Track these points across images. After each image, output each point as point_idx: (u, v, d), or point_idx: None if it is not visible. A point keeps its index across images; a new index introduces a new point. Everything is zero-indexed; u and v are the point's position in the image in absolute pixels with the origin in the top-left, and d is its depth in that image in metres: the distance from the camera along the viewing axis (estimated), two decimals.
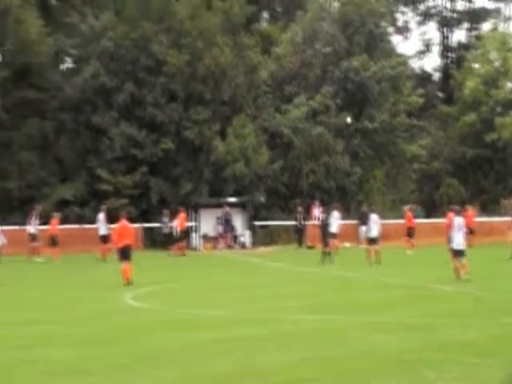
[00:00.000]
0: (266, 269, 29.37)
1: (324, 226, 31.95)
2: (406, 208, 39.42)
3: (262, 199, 46.38)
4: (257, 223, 45.28)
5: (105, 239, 36.57)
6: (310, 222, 42.90)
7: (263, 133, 48.56)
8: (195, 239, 43.58)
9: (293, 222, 43.77)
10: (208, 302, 18.43)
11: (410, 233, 37.59)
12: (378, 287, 21.20)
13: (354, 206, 47.95)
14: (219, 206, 43.69)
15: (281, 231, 45.95)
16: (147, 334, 13.44)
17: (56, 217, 38.08)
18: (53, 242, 36.73)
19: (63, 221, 40.21)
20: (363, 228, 39.22)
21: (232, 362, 10.57)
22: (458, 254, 22.36)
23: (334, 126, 49.45)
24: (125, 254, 23.73)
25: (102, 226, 37.50)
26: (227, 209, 43.60)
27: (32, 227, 37.91)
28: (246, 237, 43.65)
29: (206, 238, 43.81)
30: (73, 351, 11.69)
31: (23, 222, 42.11)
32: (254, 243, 43.45)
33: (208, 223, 43.76)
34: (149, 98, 46.65)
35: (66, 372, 10.06)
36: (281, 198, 48.77)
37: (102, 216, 37.86)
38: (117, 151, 45.84)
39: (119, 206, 44.49)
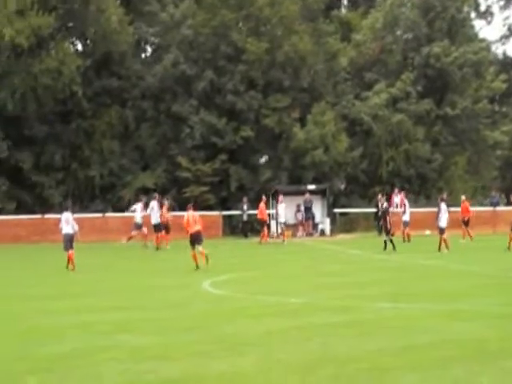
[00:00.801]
0: (345, 256, 29.21)
1: (384, 214, 31.97)
2: (463, 197, 38.61)
3: (342, 186, 46.12)
4: (336, 210, 45.09)
5: (158, 228, 36.12)
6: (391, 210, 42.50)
7: (343, 120, 48.27)
8: (275, 227, 43.58)
9: (373, 210, 43.42)
10: (287, 289, 18.40)
11: (466, 222, 36.89)
12: (457, 275, 20.88)
13: (434, 194, 47.34)
14: (299, 193, 43.57)
15: (360, 219, 45.70)
16: (226, 320, 13.48)
17: (166, 204, 38.03)
18: (165, 228, 36.72)
19: (172, 208, 40.38)
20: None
21: (310, 350, 10.52)
22: None
23: (415, 113, 48.84)
24: (193, 240, 23.87)
25: (154, 215, 36.80)
26: (309, 196, 43.45)
27: (139, 216, 37.56)
28: (325, 224, 43.49)
29: (285, 225, 43.77)
30: (154, 337, 11.79)
31: (106, 210, 42.97)
32: (334, 231, 43.26)
33: (287, 211, 43.69)
34: (228, 86, 46.79)
35: (149, 358, 10.14)
36: (360, 185, 48.46)
37: (154, 204, 36.89)
38: (197, 139, 46.15)
39: (199, 194, 44.97)
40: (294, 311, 14.52)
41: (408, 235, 36.56)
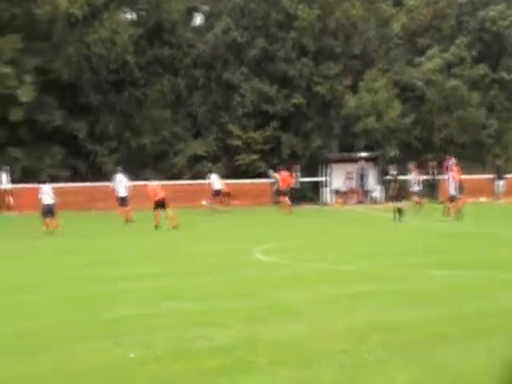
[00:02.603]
0: (396, 224, 29.07)
1: (396, 181, 31.80)
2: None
3: (394, 153, 45.81)
4: (388, 178, 44.77)
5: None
6: (443, 177, 42.11)
7: (395, 86, 47.83)
8: (326, 194, 43.54)
9: (425, 177, 43.07)
10: (338, 256, 18.42)
11: None
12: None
13: (490, 160, 46.81)
14: (350, 160, 43.41)
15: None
16: (277, 287, 13.54)
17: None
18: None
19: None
20: (500, 182, 38.32)
21: (360, 318, 10.55)
22: None
23: (469, 78, 48.17)
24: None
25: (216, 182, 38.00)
26: (363, 163, 43.26)
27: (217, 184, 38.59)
28: (377, 192, 43.29)
29: (337, 193, 43.70)
30: (205, 304, 11.89)
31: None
32: (386, 198, 43.03)
33: (339, 178, 43.59)
34: (280, 53, 46.64)
35: (200, 325, 10.24)
36: (413, 152, 48.05)
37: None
38: (248, 107, 46.16)
39: (250, 162, 45.06)
40: (346, 279, 14.54)
41: (419, 203, 36.05)
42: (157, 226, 28.28)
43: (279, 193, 38.63)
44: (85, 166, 46.03)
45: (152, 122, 47.17)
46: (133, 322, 10.49)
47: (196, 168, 45.99)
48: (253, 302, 11.94)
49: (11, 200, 39.86)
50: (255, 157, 45.55)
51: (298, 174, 42.90)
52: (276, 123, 46.22)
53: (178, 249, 21.52)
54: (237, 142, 45.86)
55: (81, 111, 46.06)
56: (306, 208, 40.30)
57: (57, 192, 40.96)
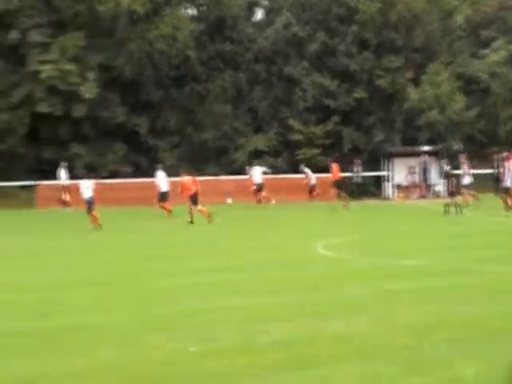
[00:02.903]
0: (459, 218, 28.69)
1: (450, 176, 31.22)
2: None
3: (458, 147, 45.22)
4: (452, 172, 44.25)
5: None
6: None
7: (458, 79, 47.20)
8: (388, 189, 43.20)
9: (490, 171, 42.42)
10: (400, 251, 18.25)
11: None
12: None
13: None
14: (412, 154, 42.99)
15: (478, 179, 44.71)
16: (340, 282, 13.47)
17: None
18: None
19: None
20: None
21: (424, 312, 10.41)
22: None
23: None
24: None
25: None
26: (426, 157, 42.82)
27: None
28: (439, 186, 42.77)
29: (399, 187, 43.33)
30: (267, 298, 11.87)
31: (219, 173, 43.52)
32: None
33: (401, 172, 43.22)
34: (341, 47, 46.44)
35: (262, 319, 10.22)
36: (477, 145, 47.37)
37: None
38: (309, 101, 46.07)
39: (311, 156, 44.96)
40: (408, 274, 14.39)
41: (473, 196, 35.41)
42: (191, 222, 28.50)
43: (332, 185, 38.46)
44: (146, 161, 46.41)
45: (213, 117, 47.36)
46: (194, 316, 10.51)
47: (257, 163, 45.98)
48: (315, 297, 11.88)
49: (68, 196, 40.29)
50: (316, 151, 45.44)
51: (360, 168, 42.64)
52: (337, 117, 46.04)
53: (241, 243, 21.53)
54: (298, 137, 45.79)
55: (142, 107, 46.48)
56: (368, 203, 40.04)
57: (119, 188, 41.65)
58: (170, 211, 32.57)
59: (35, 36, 44.08)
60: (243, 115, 48.37)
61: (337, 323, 9.87)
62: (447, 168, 32.13)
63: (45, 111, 43.88)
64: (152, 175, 43.74)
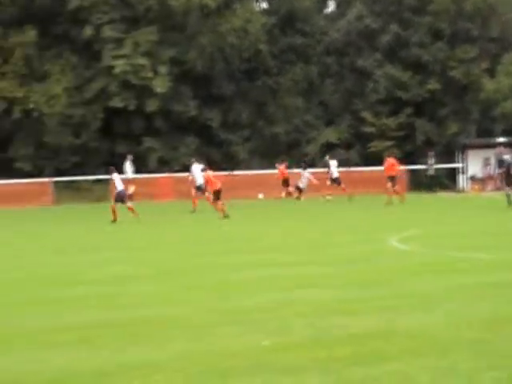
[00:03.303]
0: None
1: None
2: None
3: None
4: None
5: None
6: None
7: None
8: (462, 181, 42.62)
9: None
10: (475, 244, 17.96)
11: None
12: None
13: None
14: (487, 146, 42.30)
15: None
16: (413, 276, 13.33)
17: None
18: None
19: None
20: None
21: (498, 307, 10.25)
22: None
23: None
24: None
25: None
26: (501, 149, 42.06)
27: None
28: None
29: (473, 179, 42.71)
30: (340, 292, 11.83)
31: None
32: None
33: (475, 165, 42.59)
34: (414, 39, 45.98)
35: (335, 313, 10.19)
36: None
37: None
38: (381, 93, 45.74)
39: (383, 149, 44.59)
40: (484, 267, 14.16)
41: None
42: (226, 216, 28.48)
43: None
44: (218, 154, 46.69)
45: (285, 110, 47.39)
46: (268, 310, 10.52)
47: (332, 156, 45.92)
48: (387, 291, 11.80)
49: (132, 189, 40.60)
50: (389, 143, 45.09)
51: (433, 160, 42.17)
52: (410, 109, 45.62)
53: (313, 237, 21.49)
54: (370, 129, 45.51)
55: (214, 101, 46.73)
56: (442, 195, 39.55)
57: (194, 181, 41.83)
58: (195, 204, 32.69)
59: (109, 31, 44.68)
60: (315, 108, 48.28)
61: (410, 317, 9.79)
62: (507, 157, 31.17)
63: (118, 106, 44.48)
64: (225, 169, 44.12)
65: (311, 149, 46.29)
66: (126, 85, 44.48)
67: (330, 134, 46.49)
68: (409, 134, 45.92)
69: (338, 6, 52.62)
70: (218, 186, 29.83)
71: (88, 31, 44.94)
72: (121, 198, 29.48)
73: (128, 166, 41.10)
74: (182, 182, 42.56)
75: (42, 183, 42.05)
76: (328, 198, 37.76)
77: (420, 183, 44.15)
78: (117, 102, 44.49)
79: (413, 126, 45.85)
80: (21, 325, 10.09)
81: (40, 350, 8.63)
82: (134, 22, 45.95)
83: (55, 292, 12.83)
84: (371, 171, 41.90)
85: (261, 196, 41.03)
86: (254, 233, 23.67)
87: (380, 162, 43.66)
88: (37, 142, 45.21)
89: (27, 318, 10.52)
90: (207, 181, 30.47)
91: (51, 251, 20.02)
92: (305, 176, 39.47)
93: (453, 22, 46.24)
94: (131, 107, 44.47)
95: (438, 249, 17.14)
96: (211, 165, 45.43)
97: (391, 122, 45.40)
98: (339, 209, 33.13)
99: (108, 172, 30.96)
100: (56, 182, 43.04)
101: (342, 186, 38.36)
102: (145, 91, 44.45)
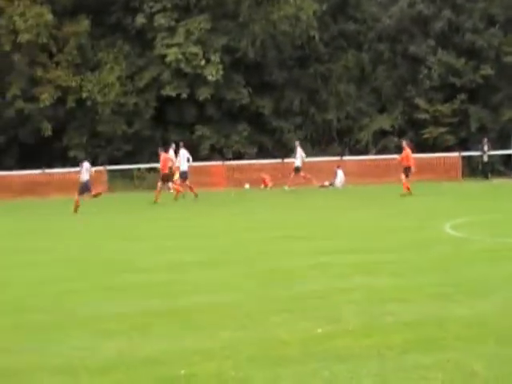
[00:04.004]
0: None
1: None
2: None
3: None
4: None
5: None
6: None
7: None
8: None
9: None
10: None
11: None
12: None
13: None
14: None
15: None
16: (468, 264, 13.19)
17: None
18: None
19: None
20: None
21: None
22: None
23: None
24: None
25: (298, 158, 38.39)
26: None
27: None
28: None
29: None
30: (392, 279, 11.75)
31: (343, 153, 43.27)
32: None
33: None
34: (467, 24, 45.39)
35: (386, 300, 10.12)
36: None
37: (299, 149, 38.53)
38: (434, 80, 45.28)
39: (437, 135, 44.21)
40: None
41: None
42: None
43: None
44: (270, 142, 46.72)
45: (337, 97, 47.17)
46: (322, 297, 10.50)
47: (382, 143, 45.66)
48: (440, 278, 11.69)
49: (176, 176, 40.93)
50: (443, 130, 44.69)
51: (487, 147, 41.66)
52: (464, 95, 45.08)
53: (366, 224, 21.36)
54: (424, 116, 45.12)
55: (266, 88, 46.70)
56: (497, 182, 39.03)
57: (244, 169, 41.98)
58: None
59: (161, 20, 44.86)
60: (367, 95, 47.99)
61: (466, 304, 9.68)
62: None
63: (170, 94, 44.70)
64: (276, 156, 44.10)
65: (363, 136, 46.04)
66: (178, 73, 44.66)
67: (383, 121, 46.17)
68: (463, 121, 45.41)
69: None
70: (165, 170, 31.52)
71: (140, 20, 45.19)
72: (86, 188, 29.39)
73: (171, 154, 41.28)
74: (233, 169, 42.78)
75: (96, 172, 42.44)
76: (286, 188, 37.66)
77: (474, 170, 43.64)
78: (169, 91, 44.71)
79: (466, 112, 45.31)
80: (75, 312, 10.20)
81: (92, 337, 8.72)
82: (186, 10, 46.06)
83: (111, 279, 12.97)
84: (424, 158, 41.45)
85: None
86: (303, 219, 23.61)
87: (433, 149, 43.35)
88: (90, 130, 45.69)
89: (82, 305, 10.64)
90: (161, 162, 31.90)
91: (109, 238, 20.25)
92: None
93: (507, 8, 45.54)
94: (183, 95, 44.65)
95: (493, 236, 16.92)
96: (262, 151, 45.68)
97: (445, 108, 44.92)
98: (389, 195, 32.84)
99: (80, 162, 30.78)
100: (109, 171, 43.45)
101: (302, 174, 38.17)
102: (197, 79, 44.59)
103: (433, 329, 8.45)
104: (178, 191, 33.16)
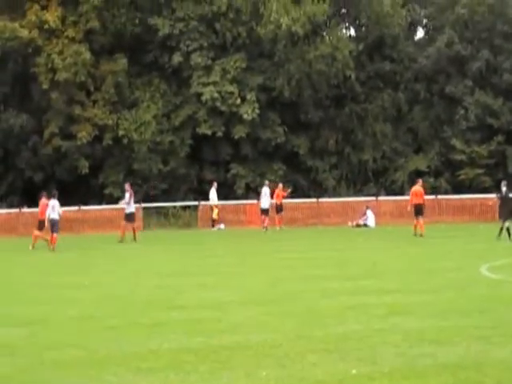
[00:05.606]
0: None
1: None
2: None
3: None
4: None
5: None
6: None
7: None
8: None
9: None
10: None
11: None
12: None
13: None
14: None
15: None
16: (505, 306, 13.00)
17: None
18: None
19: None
20: None
21: None
22: None
23: None
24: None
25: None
26: None
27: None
28: None
29: None
30: (430, 321, 11.58)
31: (379, 193, 43.04)
32: None
33: None
34: (505, 65, 45.32)
35: (425, 342, 9.97)
36: None
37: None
38: (471, 120, 45.07)
39: (474, 176, 43.89)
40: None
41: None
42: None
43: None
44: (305, 181, 46.64)
45: (372, 137, 47.09)
46: (359, 337, 10.36)
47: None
48: (479, 320, 11.50)
49: (215, 213, 41.08)
50: (479, 171, 44.35)
51: None
52: (501, 137, 44.83)
53: (405, 265, 21.16)
54: (460, 157, 44.85)
55: (301, 127, 46.79)
56: None
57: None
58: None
59: (197, 58, 45.21)
60: (403, 135, 47.89)
61: (503, 348, 9.50)
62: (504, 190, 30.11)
63: (206, 132, 44.91)
64: (311, 196, 43.98)
65: (399, 176, 45.83)
66: (214, 111, 44.88)
67: (419, 162, 45.97)
68: (499, 162, 45.11)
69: (427, 32, 52.13)
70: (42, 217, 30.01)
71: (177, 58, 45.57)
72: (52, 225, 29.22)
73: (212, 193, 41.40)
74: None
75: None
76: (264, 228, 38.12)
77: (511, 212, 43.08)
78: (205, 129, 44.92)
79: (504, 153, 45.03)
80: (116, 348, 10.14)
81: (128, 374, 8.65)
82: (222, 49, 46.43)
83: (152, 316, 12.87)
84: (460, 199, 41.10)
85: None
86: (340, 259, 23.44)
87: (469, 190, 42.98)
88: (126, 168, 45.91)
89: (122, 342, 10.56)
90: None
91: (145, 275, 20.23)
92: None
93: None
94: (219, 134, 44.85)
95: None
96: (297, 190, 45.60)
97: (482, 149, 44.66)
98: (425, 236, 32.53)
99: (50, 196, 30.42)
100: (145, 208, 43.59)
101: (267, 218, 38.74)
102: (232, 118, 44.80)
103: (472, 372, 8.27)
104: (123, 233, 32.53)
